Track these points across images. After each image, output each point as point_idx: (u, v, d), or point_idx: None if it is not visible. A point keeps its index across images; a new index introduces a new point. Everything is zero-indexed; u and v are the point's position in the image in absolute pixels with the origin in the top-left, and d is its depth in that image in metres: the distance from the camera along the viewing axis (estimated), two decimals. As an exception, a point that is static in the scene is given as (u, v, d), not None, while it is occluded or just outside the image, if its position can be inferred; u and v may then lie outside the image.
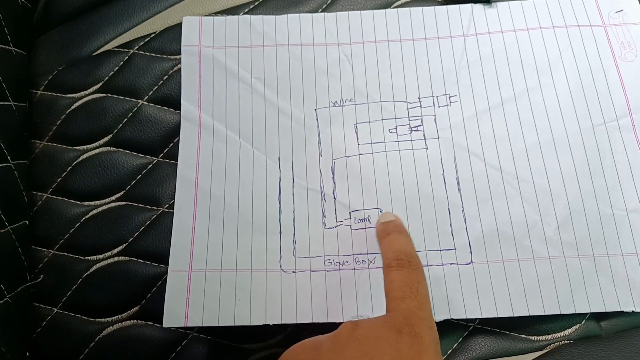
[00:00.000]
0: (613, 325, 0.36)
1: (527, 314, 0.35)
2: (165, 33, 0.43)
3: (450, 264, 0.36)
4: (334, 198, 0.38)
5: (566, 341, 0.36)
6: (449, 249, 0.37)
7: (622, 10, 0.42)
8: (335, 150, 0.39)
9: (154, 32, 0.44)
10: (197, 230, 0.37)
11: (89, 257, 0.39)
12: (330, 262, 0.37)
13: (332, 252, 0.37)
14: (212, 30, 0.42)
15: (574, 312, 0.35)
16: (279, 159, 0.39)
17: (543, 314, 0.35)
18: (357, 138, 0.40)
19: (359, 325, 0.26)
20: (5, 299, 0.34)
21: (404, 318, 0.25)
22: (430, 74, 0.41)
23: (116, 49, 0.43)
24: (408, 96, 0.41)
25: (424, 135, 0.40)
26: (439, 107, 0.40)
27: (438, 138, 0.39)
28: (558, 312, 0.35)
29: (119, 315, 0.37)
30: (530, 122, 0.39)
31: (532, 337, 0.36)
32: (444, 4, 0.43)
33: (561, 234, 0.37)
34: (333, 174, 0.39)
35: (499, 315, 0.35)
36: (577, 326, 0.36)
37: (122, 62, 0.43)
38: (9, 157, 0.38)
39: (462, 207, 0.38)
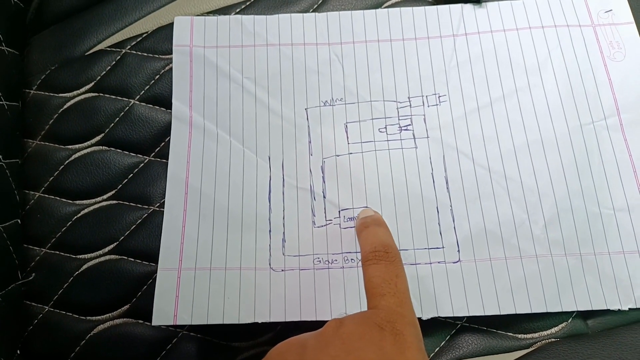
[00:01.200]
0: (599, 324, 0.36)
1: (514, 312, 0.35)
2: (157, 33, 0.44)
3: (438, 262, 0.36)
4: (324, 197, 0.38)
5: (553, 339, 0.36)
6: (437, 248, 0.37)
7: (611, 10, 0.42)
8: (325, 149, 0.40)
9: (146, 32, 0.44)
10: (187, 228, 0.37)
11: (80, 256, 0.39)
12: (320, 261, 0.37)
13: (321, 251, 0.37)
14: (204, 30, 0.43)
15: (561, 311, 0.35)
16: (269, 158, 0.39)
17: (530, 312, 0.35)
18: (347, 137, 0.40)
19: (343, 324, 0.26)
20: (-5, 297, 0.35)
21: (385, 315, 0.26)
22: (420, 73, 0.41)
23: (108, 49, 0.44)
24: (398, 96, 0.41)
25: (414, 135, 0.40)
26: (428, 106, 0.40)
27: (427, 137, 0.40)
28: (545, 311, 0.35)
29: (110, 314, 0.38)
30: (518, 122, 0.40)
31: (519, 335, 0.36)
32: (434, 4, 0.43)
33: (548, 233, 0.37)
34: (323, 173, 0.39)
35: (486, 314, 0.35)
36: (563, 324, 0.36)
37: (114, 62, 0.43)
38: (0, 156, 0.38)
39: (451, 206, 0.38)
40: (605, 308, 0.35)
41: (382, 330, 0.25)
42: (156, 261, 0.37)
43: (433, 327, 0.36)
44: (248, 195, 0.38)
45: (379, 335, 0.25)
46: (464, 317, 0.36)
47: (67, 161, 0.41)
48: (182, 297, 0.36)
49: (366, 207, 0.38)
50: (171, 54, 0.42)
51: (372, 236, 0.32)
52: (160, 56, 0.43)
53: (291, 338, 0.28)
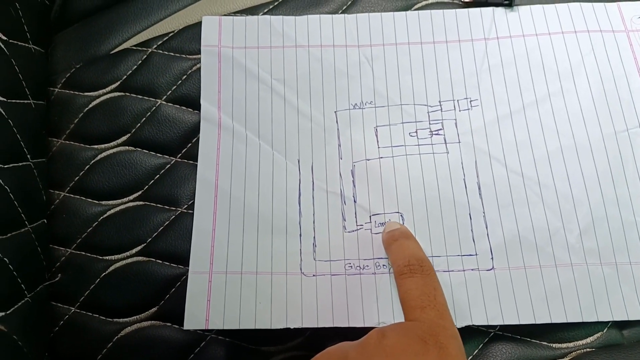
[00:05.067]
0: (635, 334, 0.36)
1: (549, 321, 0.35)
2: (184, 32, 0.43)
3: (472, 269, 0.36)
4: (354, 201, 0.38)
5: (588, 349, 0.35)
6: (470, 255, 0.36)
7: (645, 15, 0.42)
8: (355, 153, 0.39)
9: (173, 31, 0.43)
10: (217, 232, 0.37)
11: (107, 257, 0.38)
12: (351, 266, 0.36)
13: (352, 256, 0.37)
14: (232, 30, 0.42)
15: (596, 320, 0.35)
16: (298, 161, 0.39)
17: (565, 321, 0.35)
18: (378, 141, 0.39)
19: (385, 335, 0.26)
20: (25, 299, 0.34)
21: (428, 328, 0.25)
22: (451, 77, 0.41)
23: (134, 48, 0.43)
24: (429, 99, 0.40)
25: (445, 139, 0.39)
26: (459, 110, 0.40)
27: (459, 142, 0.39)
28: (580, 320, 0.35)
29: (137, 316, 0.37)
30: (552, 127, 0.39)
31: (554, 345, 0.36)
32: (465, 7, 0.43)
33: (583, 241, 0.36)
34: (353, 177, 0.39)
35: (521, 322, 0.35)
36: (599, 334, 0.36)
37: (140, 61, 0.43)
38: (28, 156, 0.38)
39: (484, 212, 0.37)
40: (642, 318, 0.35)
41: (426, 344, 0.25)
42: (184, 264, 0.37)
43: (466, 335, 0.35)
44: (278, 198, 0.38)
45: (422, 348, 0.25)
46: (497, 325, 0.36)
47: (92, 161, 0.41)
48: (213, 301, 0.35)
49: (401, 214, 0.37)
50: (198, 54, 0.42)
51: (403, 249, 0.32)
52: (187, 56, 0.42)
53: (330, 348, 0.27)
